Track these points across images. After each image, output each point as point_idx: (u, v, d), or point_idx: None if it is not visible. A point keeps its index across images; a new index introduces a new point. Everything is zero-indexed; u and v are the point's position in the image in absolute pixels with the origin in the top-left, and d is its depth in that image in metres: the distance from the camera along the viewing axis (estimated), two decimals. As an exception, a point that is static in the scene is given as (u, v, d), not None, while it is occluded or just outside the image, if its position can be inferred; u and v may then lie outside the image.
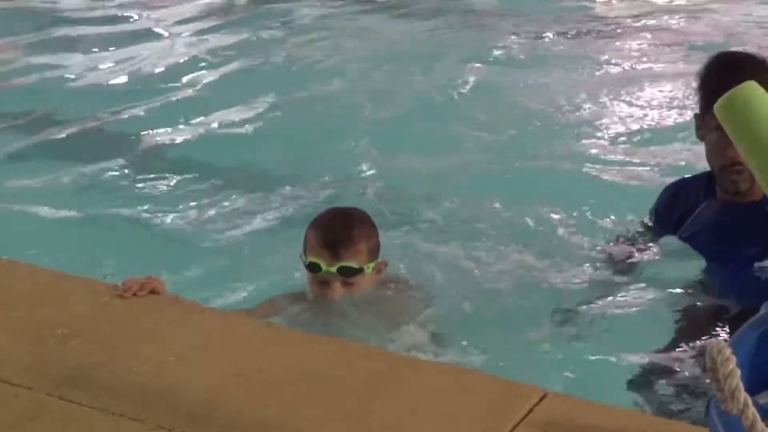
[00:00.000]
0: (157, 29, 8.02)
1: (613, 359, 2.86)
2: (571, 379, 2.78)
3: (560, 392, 2.14)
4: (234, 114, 5.72)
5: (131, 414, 2.01)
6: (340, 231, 2.77)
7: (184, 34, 7.85)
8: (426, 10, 8.09)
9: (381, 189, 4.37)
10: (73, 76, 6.75)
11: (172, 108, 5.91)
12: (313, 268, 2.75)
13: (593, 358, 2.93)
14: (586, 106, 5.59)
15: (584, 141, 5.05)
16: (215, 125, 5.60)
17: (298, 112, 5.75)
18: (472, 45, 7.06)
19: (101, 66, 7.06)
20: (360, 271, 2.74)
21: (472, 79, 6.00)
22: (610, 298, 3.09)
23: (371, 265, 2.78)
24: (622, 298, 3.10)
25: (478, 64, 6.33)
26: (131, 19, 8.42)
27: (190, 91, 6.32)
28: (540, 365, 2.84)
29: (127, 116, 5.76)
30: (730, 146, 2.41)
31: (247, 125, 5.55)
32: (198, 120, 5.66)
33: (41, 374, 2.17)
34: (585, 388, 2.60)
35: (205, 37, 7.68)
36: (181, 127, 5.55)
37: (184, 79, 6.52)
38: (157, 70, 6.87)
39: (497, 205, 4.05)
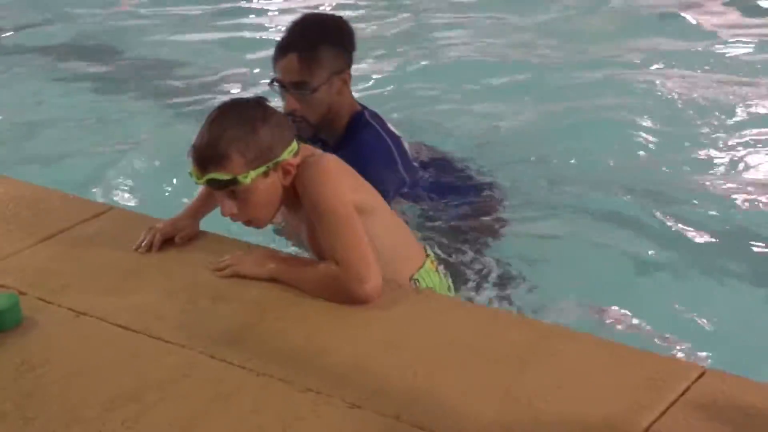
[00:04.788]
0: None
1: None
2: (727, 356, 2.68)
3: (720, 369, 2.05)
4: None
5: (280, 375, 2.03)
6: (204, 137, 2.34)
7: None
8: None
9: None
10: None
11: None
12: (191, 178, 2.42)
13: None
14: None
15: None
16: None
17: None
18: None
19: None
20: (233, 182, 2.32)
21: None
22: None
23: (252, 172, 2.32)
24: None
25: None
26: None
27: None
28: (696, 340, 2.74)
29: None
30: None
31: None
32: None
33: (194, 333, 2.21)
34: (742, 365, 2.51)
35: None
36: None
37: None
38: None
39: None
